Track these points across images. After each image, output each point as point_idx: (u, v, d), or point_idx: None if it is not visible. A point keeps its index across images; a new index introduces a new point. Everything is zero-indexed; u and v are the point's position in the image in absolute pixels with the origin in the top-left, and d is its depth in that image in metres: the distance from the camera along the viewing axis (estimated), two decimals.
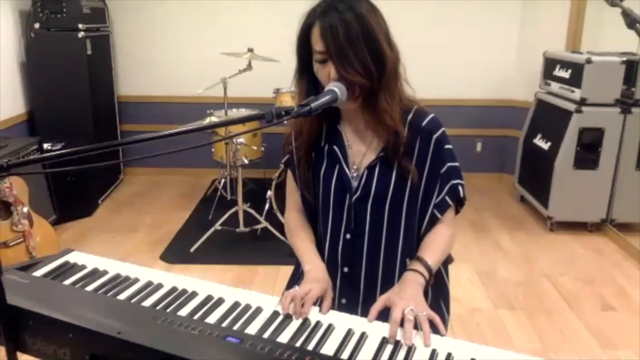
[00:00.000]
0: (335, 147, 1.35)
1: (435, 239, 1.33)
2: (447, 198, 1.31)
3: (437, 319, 1.09)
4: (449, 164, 1.31)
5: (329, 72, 1.19)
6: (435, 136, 1.29)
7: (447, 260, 1.42)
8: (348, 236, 1.35)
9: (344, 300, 1.37)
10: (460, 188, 1.32)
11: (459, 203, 1.36)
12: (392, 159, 1.28)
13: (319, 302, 1.19)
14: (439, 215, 1.32)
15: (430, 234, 1.34)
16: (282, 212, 3.43)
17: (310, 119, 1.30)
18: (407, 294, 1.16)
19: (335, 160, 1.35)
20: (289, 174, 1.45)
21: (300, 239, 1.41)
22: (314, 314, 1.13)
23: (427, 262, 1.26)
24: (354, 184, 1.33)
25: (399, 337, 1.05)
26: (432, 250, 1.30)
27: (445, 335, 1.06)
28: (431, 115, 1.31)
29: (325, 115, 1.30)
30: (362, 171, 1.32)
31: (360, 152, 1.33)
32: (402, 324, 1.07)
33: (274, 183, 3.41)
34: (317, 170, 1.38)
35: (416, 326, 1.08)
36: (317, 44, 1.19)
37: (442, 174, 1.30)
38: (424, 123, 1.29)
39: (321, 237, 1.41)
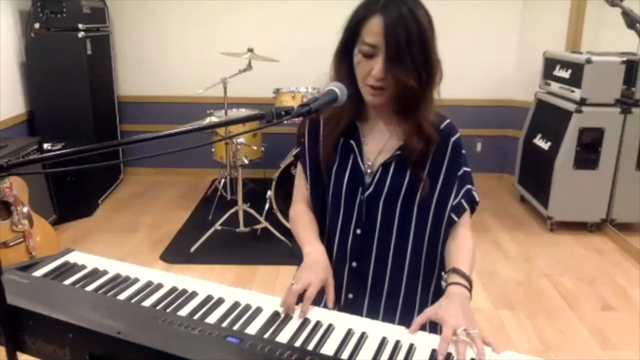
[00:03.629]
0: (352, 141, 1.34)
1: (462, 246, 1.31)
2: (463, 202, 1.32)
3: (489, 339, 1.04)
4: (464, 169, 1.33)
5: (373, 67, 1.18)
6: (453, 139, 1.31)
7: None
8: (358, 231, 1.35)
9: (350, 295, 1.37)
10: (474, 193, 1.34)
11: (472, 208, 1.36)
12: (408, 161, 1.28)
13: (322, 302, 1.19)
14: (456, 219, 1.31)
15: (455, 241, 1.32)
16: (282, 212, 3.45)
17: (349, 106, 1.28)
18: (457, 310, 1.11)
19: (351, 153, 1.34)
20: (299, 167, 1.45)
21: (302, 224, 1.41)
22: (314, 314, 1.13)
23: (465, 272, 1.23)
24: (367, 180, 1.33)
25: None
26: (464, 258, 1.27)
27: (499, 353, 1.02)
28: (448, 120, 1.32)
29: (355, 108, 1.30)
30: (376, 168, 1.32)
31: (375, 149, 1.33)
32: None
33: (274, 183, 3.42)
34: (330, 162, 1.37)
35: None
36: (372, 37, 1.17)
37: (459, 177, 1.32)
38: (442, 126, 1.30)
39: (330, 231, 1.41)
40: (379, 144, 1.33)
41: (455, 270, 1.23)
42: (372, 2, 1.19)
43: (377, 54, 1.17)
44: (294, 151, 1.46)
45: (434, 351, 1.02)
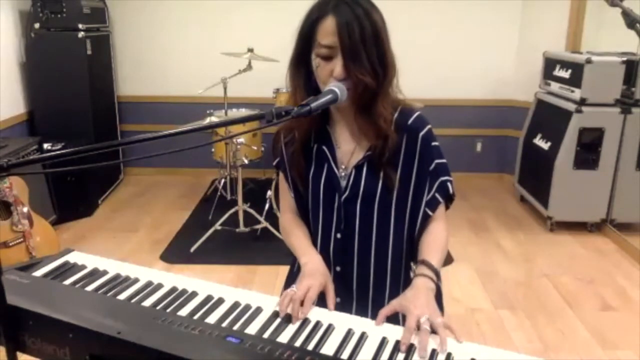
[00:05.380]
0: (324, 147, 1.34)
1: (434, 239, 1.32)
2: (437, 195, 1.31)
3: (452, 327, 1.07)
4: (436, 161, 1.31)
5: (333, 68, 1.18)
6: (421, 134, 1.29)
7: (445, 261, 1.42)
8: (339, 236, 1.35)
9: (337, 299, 1.37)
10: (449, 184, 1.32)
11: (449, 199, 1.36)
12: (378, 158, 1.28)
13: (316, 300, 1.19)
14: (430, 213, 1.32)
15: (428, 234, 1.33)
16: None
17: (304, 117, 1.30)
18: (421, 301, 1.14)
19: (324, 160, 1.34)
20: (281, 176, 1.45)
21: (295, 235, 1.41)
22: (314, 314, 1.13)
23: (432, 264, 1.24)
24: (343, 183, 1.33)
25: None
26: (434, 251, 1.29)
27: (461, 342, 1.04)
28: (416, 113, 1.31)
29: (317, 115, 1.30)
30: (350, 170, 1.32)
31: (348, 151, 1.33)
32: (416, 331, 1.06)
33: (274, 183, 3.42)
34: (305, 171, 1.37)
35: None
36: (327, 39, 1.17)
37: (430, 171, 1.30)
38: (410, 121, 1.29)
39: (313, 237, 1.41)
40: (350, 147, 1.33)
41: (424, 262, 1.25)
42: (323, 4, 1.19)
43: (335, 55, 1.17)
44: (274, 162, 1.46)
45: (433, 351, 1.02)
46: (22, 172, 2.46)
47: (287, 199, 1.46)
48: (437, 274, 1.24)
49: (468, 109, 4.64)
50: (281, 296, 1.16)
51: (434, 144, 1.31)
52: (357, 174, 1.31)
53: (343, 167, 1.34)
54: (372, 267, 1.35)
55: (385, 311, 1.13)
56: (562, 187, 3.65)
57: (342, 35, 1.15)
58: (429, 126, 1.30)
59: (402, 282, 1.37)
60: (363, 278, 1.36)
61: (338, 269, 1.37)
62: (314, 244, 1.40)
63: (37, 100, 3.94)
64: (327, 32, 1.17)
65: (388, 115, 1.24)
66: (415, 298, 1.15)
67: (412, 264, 1.32)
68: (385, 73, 1.20)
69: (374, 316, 1.13)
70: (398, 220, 1.32)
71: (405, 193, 1.31)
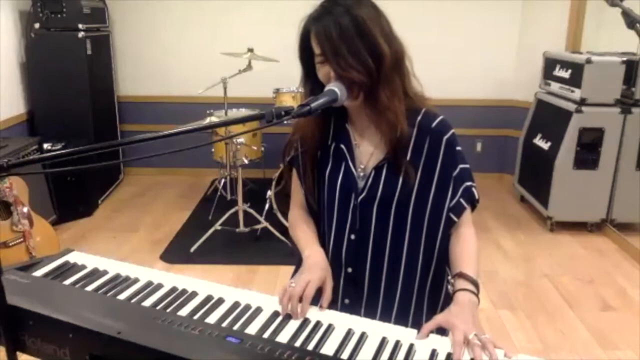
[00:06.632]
0: (342, 146, 1.34)
1: (466, 247, 1.30)
2: (462, 200, 1.30)
3: (498, 344, 1.06)
4: (461, 166, 1.30)
5: (328, 72, 1.20)
6: (445, 137, 1.29)
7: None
8: (352, 237, 1.34)
9: (347, 301, 1.37)
10: (474, 190, 1.32)
11: (472, 205, 1.35)
12: (399, 160, 1.27)
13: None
14: (455, 219, 1.31)
15: (459, 242, 1.31)
16: (282, 213, 3.46)
17: (317, 122, 1.31)
18: (466, 317, 1.12)
19: (342, 158, 1.34)
20: (294, 173, 1.44)
21: (301, 230, 1.41)
22: (314, 314, 1.13)
23: (471, 277, 1.22)
24: (360, 184, 1.32)
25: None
26: (468, 261, 1.27)
27: (510, 357, 1.02)
28: (440, 117, 1.31)
29: (333, 115, 1.31)
30: (369, 171, 1.31)
31: (367, 151, 1.32)
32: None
33: (274, 183, 3.42)
34: (322, 169, 1.37)
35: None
36: (315, 47, 1.22)
37: (455, 177, 1.29)
38: (434, 124, 1.29)
39: (325, 237, 1.40)
40: (370, 147, 1.32)
41: (462, 275, 1.23)
42: (307, 18, 1.24)
43: (325, 59, 1.21)
44: (287, 158, 1.46)
45: (434, 351, 1.02)
46: (22, 172, 2.46)
47: (298, 195, 1.46)
48: (477, 286, 1.22)
49: (468, 109, 4.64)
50: (280, 292, 1.16)
51: (458, 148, 1.31)
52: (376, 175, 1.30)
53: (362, 167, 1.33)
54: (385, 271, 1.33)
55: (429, 325, 1.11)
56: (562, 187, 3.65)
57: (320, 41, 1.20)
58: (452, 130, 1.30)
59: (415, 289, 1.35)
60: (374, 281, 1.35)
61: (349, 270, 1.36)
62: (327, 243, 1.39)
63: (37, 100, 3.94)
64: (314, 42, 1.22)
65: (395, 106, 1.23)
66: (461, 313, 1.13)
67: (449, 277, 1.28)
68: (379, 64, 1.20)
69: (381, 320, 1.13)
70: (415, 225, 1.31)
71: (425, 197, 1.30)
